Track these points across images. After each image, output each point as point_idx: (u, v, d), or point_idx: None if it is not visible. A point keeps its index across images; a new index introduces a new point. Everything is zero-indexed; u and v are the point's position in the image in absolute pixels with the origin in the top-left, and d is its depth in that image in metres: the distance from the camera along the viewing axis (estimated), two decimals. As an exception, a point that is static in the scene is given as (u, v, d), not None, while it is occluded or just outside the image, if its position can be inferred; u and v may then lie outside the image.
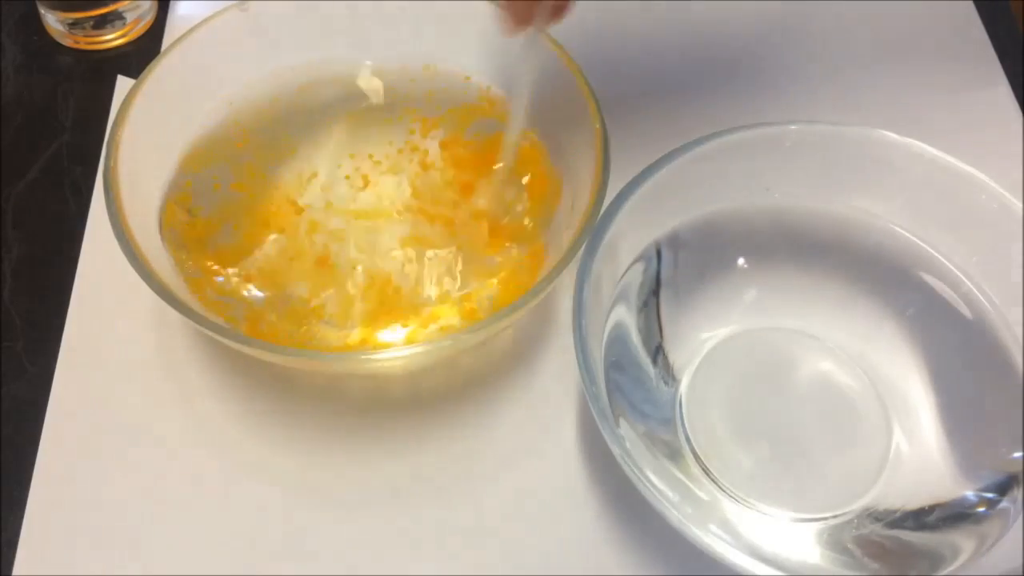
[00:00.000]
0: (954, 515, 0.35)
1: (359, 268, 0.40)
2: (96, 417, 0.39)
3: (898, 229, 0.40)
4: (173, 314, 0.34)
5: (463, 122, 0.44)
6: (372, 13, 0.44)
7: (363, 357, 0.36)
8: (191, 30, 0.41)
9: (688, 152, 0.38)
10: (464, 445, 0.39)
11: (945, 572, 0.33)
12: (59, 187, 0.46)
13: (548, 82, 0.42)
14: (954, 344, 0.39)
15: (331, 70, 0.45)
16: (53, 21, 0.51)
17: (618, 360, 0.37)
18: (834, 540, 0.35)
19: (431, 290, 0.39)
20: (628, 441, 0.34)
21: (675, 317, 0.40)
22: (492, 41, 0.43)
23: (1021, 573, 0.31)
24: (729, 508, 0.36)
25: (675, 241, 0.40)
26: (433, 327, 0.39)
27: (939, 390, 0.38)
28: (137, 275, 0.35)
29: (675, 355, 0.39)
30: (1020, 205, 0.37)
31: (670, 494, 0.34)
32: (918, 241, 0.39)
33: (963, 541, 0.34)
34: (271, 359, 0.36)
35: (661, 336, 0.39)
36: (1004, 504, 0.35)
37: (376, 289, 0.39)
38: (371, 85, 0.45)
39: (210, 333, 0.34)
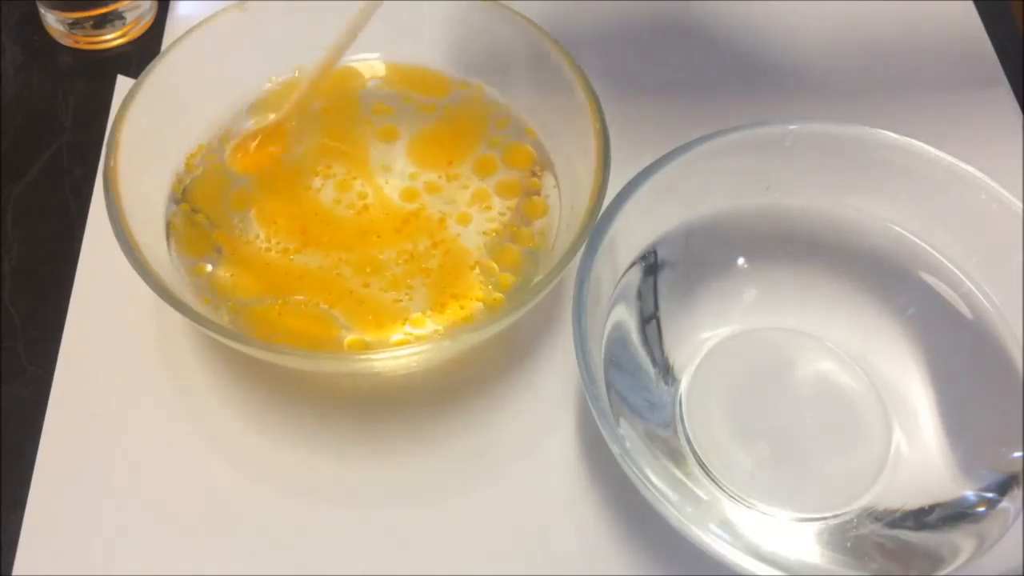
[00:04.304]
0: (954, 515, 0.35)
1: (361, 268, 0.40)
2: (96, 417, 0.39)
3: (898, 229, 0.40)
4: (173, 314, 0.34)
5: (463, 123, 0.44)
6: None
7: (363, 357, 0.36)
8: (191, 30, 0.41)
9: (688, 152, 0.38)
10: (464, 445, 0.39)
11: (945, 572, 0.33)
12: (59, 187, 0.46)
13: (548, 82, 0.42)
14: (954, 344, 0.39)
15: (331, 70, 0.45)
16: (53, 21, 0.51)
17: (618, 360, 0.37)
18: (834, 540, 0.35)
19: (432, 290, 0.39)
20: (628, 441, 0.34)
21: (675, 317, 0.40)
22: (492, 43, 0.43)
23: (1021, 573, 0.31)
24: (729, 508, 0.36)
25: (675, 241, 0.40)
26: (432, 328, 0.39)
27: (939, 390, 0.38)
28: (137, 275, 0.35)
29: (675, 355, 0.39)
30: (1020, 205, 0.37)
31: (670, 494, 0.34)
32: (918, 241, 0.39)
33: (963, 541, 0.34)
34: (271, 359, 0.36)
35: (661, 336, 0.39)
36: (1004, 504, 0.35)
37: (378, 289, 0.39)
38: (371, 85, 0.45)
39: (210, 333, 0.35)
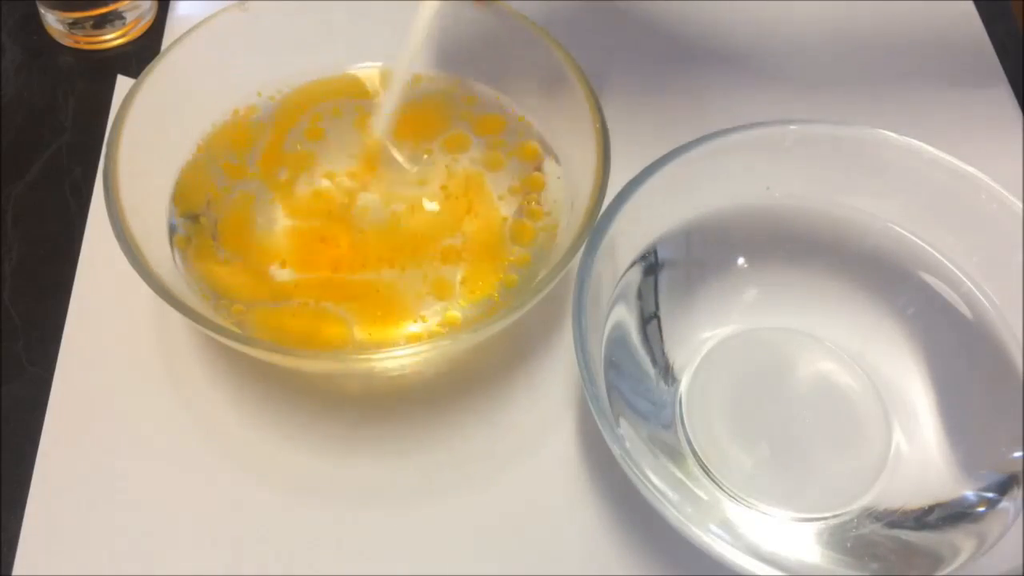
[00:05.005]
0: (954, 515, 0.35)
1: (361, 267, 0.40)
2: (96, 417, 0.39)
3: (898, 229, 0.40)
4: (173, 314, 0.34)
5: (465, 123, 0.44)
6: (372, 13, 0.44)
7: (363, 357, 0.36)
8: (191, 30, 0.41)
9: (688, 152, 0.38)
10: (464, 445, 0.39)
11: (945, 572, 0.33)
12: (59, 187, 0.46)
13: (548, 82, 0.42)
14: (954, 344, 0.39)
15: (331, 70, 0.45)
16: (53, 21, 0.51)
17: (618, 360, 0.37)
18: (834, 540, 0.35)
19: (432, 290, 0.39)
20: (628, 441, 0.34)
21: (675, 317, 0.40)
22: (492, 43, 0.44)
23: (1021, 573, 0.31)
24: (729, 508, 0.36)
25: (675, 241, 0.40)
26: (433, 327, 0.39)
27: (939, 390, 0.38)
28: (137, 275, 0.35)
29: (675, 355, 0.39)
30: (1020, 205, 0.37)
31: (670, 494, 0.34)
32: (918, 241, 0.39)
33: (963, 541, 0.34)
34: (271, 359, 0.36)
35: (661, 336, 0.39)
36: (1004, 504, 0.35)
37: (378, 288, 0.39)
38: (371, 85, 0.45)
39: (210, 333, 0.35)
